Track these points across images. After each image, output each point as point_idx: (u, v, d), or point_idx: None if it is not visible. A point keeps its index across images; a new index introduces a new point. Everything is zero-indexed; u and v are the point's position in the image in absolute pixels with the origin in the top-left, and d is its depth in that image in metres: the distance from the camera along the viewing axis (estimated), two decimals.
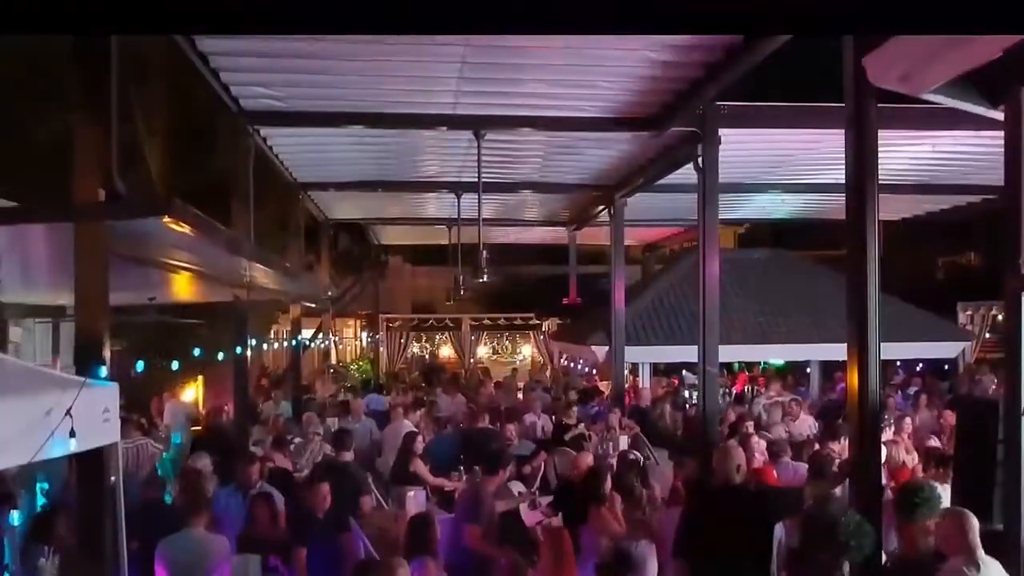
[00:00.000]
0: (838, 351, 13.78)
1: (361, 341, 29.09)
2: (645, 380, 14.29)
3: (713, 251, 10.22)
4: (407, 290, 27.38)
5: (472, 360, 22.63)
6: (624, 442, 11.16)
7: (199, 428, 14.88)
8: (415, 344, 23.35)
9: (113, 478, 5.39)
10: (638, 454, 10.41)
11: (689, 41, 7.39)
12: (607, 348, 13.76)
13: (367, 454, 11.19)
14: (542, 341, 22.12)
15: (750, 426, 10.48)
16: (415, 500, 8.25)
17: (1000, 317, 17.76)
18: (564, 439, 11.71)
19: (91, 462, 5.26)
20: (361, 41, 7.27)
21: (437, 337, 23.67)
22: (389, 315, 23.28)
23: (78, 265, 5.33)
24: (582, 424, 11.74)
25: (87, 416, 4.78)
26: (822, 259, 27.06)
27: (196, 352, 12.86)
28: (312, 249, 17.91)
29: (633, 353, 13.82)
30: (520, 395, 19.69)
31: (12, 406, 4.23)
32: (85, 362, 5.23)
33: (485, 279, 9.85)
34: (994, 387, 16.09)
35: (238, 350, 9.31)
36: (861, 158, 6.18)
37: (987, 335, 17.08)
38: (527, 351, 23.64)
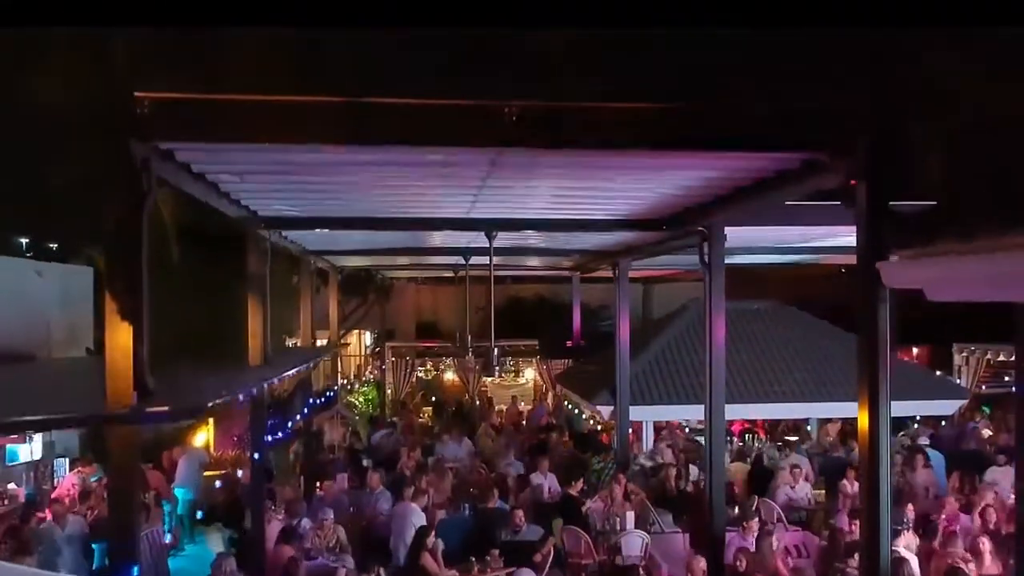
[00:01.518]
0: (839, 409, 14.16)
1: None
2: (648, 440, 14.52)
3: (719, 336, 10.29)
4: (412, 309, 27.62)
5: (476, 385, 22.87)
6: (631, 519, 11.39)
7: (212, 473, 15.14)
8: (420, 369, 23.61)
9: None
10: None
11: (701, 180, 7.56)
12: (612, 408, 14.01)
13: (382, 530, 11.35)
14: (544, 369, 22.38)
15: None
16: None
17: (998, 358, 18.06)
18: (572, 511, 11.96)
19: None
20: (384, 166, 7.34)
21: (441, 364, 23.90)
22: (394, 344, 23.54)
23: (112, 464, 5.55)
24: (588, 503, 11.95)
25: None
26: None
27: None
28: (320, 276, 18.10)
29: (637, 412, 14.06)
30: (524, 413, 20.08)
31: None
32: (118, 562, 5.45)
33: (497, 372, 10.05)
34: (990, 433, 16.33)
35: (256, 456, 9.49)
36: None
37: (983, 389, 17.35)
38: (530, 374, 23.90)
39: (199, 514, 14.09)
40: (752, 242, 12.23)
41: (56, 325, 14.96)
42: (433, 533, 9.89)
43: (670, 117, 5.74)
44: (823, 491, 13.66)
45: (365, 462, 15.28)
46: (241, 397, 9.01)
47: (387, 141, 5.74)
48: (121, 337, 5.34)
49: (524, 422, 19.71)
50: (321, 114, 5.64)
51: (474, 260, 13.24)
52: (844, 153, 5.78)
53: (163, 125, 5.46)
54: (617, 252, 13.50)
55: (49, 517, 10.66)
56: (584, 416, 16.35)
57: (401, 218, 9.60)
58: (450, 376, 23.63)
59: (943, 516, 10.74)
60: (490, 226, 9.73)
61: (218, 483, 14.78)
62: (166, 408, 5.30)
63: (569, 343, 18.92)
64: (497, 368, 9.85)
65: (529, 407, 21.35)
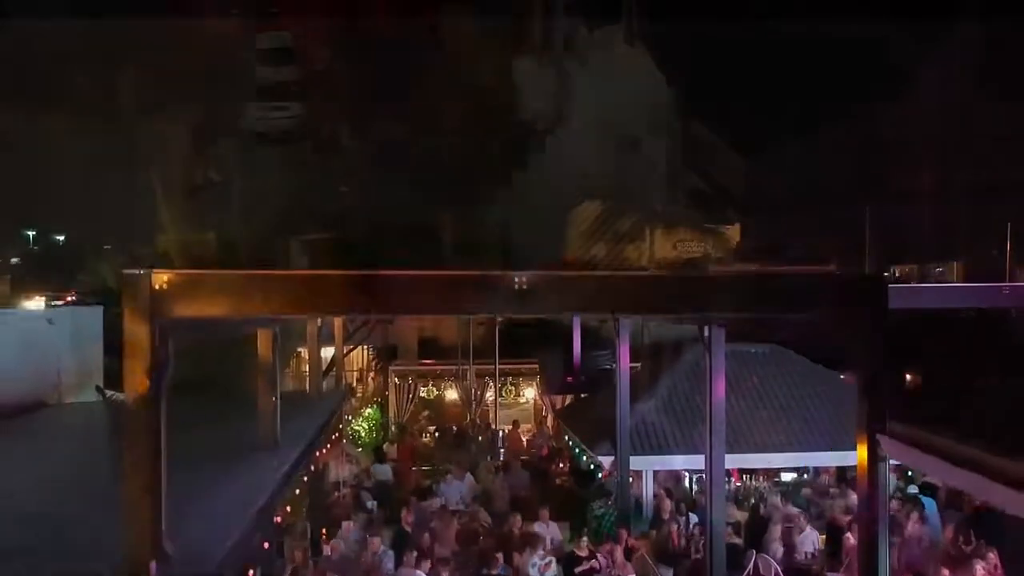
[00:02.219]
0: (837, 458, 14.35)
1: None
2: (649, 488, 14.71)
3: (719, 394, 10.39)
4: (414, 324, 27.79)
5: (477, 405, 23.20)
6: None
7: None
8: (422, 389, 23.91)
9: None
10: None
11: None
12: (612, 458, 14.26)
13: None
14: (545, 395, 22.67)
15: None
16: None
17: None
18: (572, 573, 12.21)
19: None
20: None
21: (443, 384, 24.18)
22: (397, 367, 23.82)
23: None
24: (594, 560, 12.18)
25: None
26: None
27: None
28: None
29: (638, 462, 14.30)
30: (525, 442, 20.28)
31: None
32: None
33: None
34: None
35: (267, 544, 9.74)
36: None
37: None
38: (530, 394, 24.20)
39: None
40: None
41: (66, 371, 15.13)
42: None
43: (670, 286, 5.92)
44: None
45: (370, 504, 15.53)
46: None
47: (395, 312, 5.93)
48: (142, 511, 5.54)
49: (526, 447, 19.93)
50: (331, 287, 5.82)
51: None
52: (844, 322, 5.97)
53: (181, 299, 5.64)
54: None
55: None
56: (584, 457, 16.59)
57: None
58: (452, 396, 23.92)
59: None
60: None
61: None
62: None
63: (570, 379, 19.13)
64: (503, 451, 10.03)
65: (529, 428, 21.67)
